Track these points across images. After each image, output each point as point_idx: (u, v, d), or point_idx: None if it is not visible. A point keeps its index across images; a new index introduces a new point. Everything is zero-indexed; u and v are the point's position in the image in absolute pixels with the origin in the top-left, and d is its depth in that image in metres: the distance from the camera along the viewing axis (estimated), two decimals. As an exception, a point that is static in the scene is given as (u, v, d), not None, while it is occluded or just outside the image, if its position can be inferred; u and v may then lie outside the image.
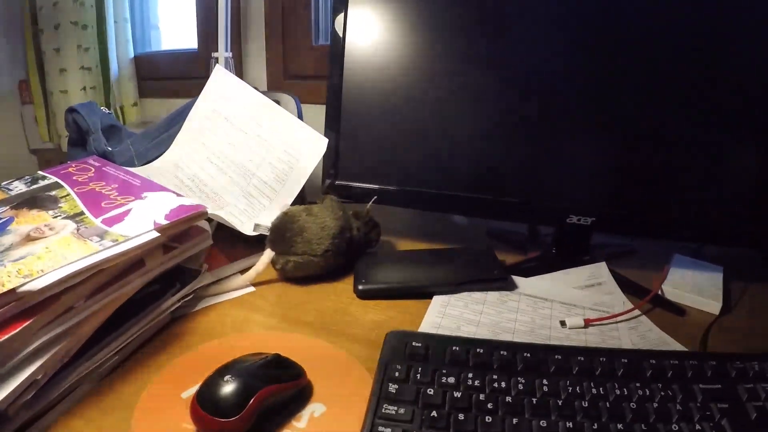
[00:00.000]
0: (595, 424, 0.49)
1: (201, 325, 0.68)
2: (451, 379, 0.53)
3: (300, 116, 1.07)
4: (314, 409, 0.53)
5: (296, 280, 0.81)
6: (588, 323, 0.71)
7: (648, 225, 0.86)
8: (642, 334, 0.70)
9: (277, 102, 1.00)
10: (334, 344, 0.64)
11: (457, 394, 0.51)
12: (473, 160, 0.87)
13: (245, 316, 0.71)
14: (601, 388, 0.53)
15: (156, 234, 0.63)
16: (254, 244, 0.84)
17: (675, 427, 0.50)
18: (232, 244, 0.86)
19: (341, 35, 0.88)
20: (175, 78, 1.83)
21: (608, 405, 0.51)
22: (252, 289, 0.79)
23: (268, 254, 0.79)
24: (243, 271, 0.80)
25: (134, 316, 0.62)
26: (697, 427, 0.50)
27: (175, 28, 2.00)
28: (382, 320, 0.71)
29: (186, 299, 0.70)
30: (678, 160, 0.81)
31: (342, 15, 0.88)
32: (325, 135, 0.92)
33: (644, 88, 0.80)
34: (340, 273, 0.83)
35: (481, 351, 0.57)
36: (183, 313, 0.70)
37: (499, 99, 0.84)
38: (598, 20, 0.80)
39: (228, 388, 0.48)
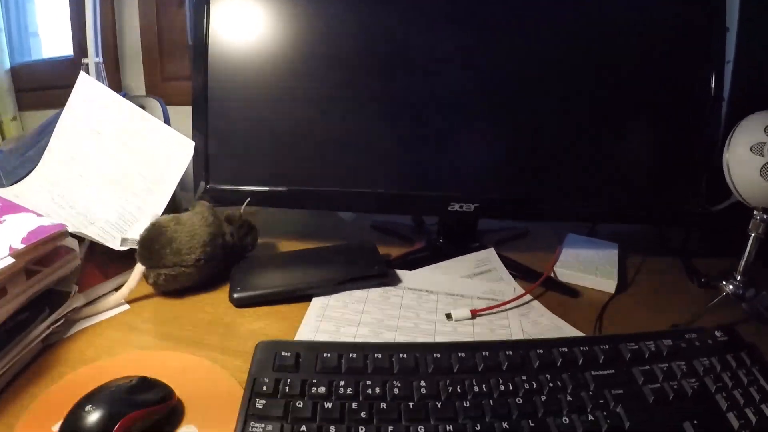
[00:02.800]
0: (478, 425, 0.46)
1: (73, 351, 0.63)
2: (322, 389, 0.49)
3: (167, 120, 1.02)
4: (185, 431, 0.50)
5: (172, 293, 0.75)
6: (475, 314, 0.68)
7: (535, 208, 0.84)
8: (533, 320, 0.68)
9: (143, 107, 0.94)
10: (208, 359, 0.60)
11: (328, 405, 0.47)
12: (347, 153, 0.83)
13: (119, 337, 0.66)
14: (484, 385, 0.50)
15: (11, 260, 0.57)
16: (132, 259, 0.77)
17: (566, 420, 0.47)
18: (109, 259, 0.79)
19: (204, 30, 0.81)
20: (56, 87, 1.71)
21: (492, 402, 0.48)
22: (127, 307, 0.73)
23: (138, 269, 0.73)
24: (119, 288, 0.74)
25: (1, 348, 0.56)
26: (590, 417, 0.48)
27: (56, 35, 1.89)
28: (259, 329, 0.67)
29: (57, 325, 0.64)
30: (562, 141, 0.81)
31: (204, 8, 0.81)
32: (193, 137, 0.86)
33: (521, 71, 0.79)
34: (217, 281, 0.78)
35: (354, 356, 0.53)
36: (56, 340, 0.64)
37: (373, 90, 0.81)
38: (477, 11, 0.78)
39: (90, 418, 0.45)
